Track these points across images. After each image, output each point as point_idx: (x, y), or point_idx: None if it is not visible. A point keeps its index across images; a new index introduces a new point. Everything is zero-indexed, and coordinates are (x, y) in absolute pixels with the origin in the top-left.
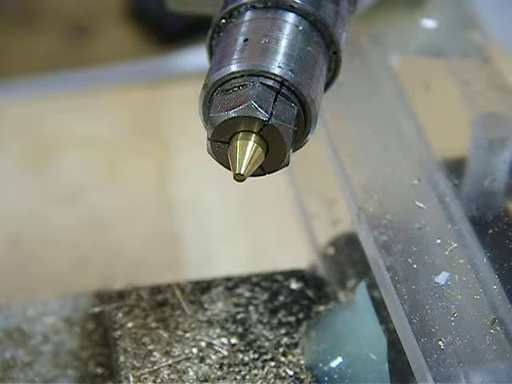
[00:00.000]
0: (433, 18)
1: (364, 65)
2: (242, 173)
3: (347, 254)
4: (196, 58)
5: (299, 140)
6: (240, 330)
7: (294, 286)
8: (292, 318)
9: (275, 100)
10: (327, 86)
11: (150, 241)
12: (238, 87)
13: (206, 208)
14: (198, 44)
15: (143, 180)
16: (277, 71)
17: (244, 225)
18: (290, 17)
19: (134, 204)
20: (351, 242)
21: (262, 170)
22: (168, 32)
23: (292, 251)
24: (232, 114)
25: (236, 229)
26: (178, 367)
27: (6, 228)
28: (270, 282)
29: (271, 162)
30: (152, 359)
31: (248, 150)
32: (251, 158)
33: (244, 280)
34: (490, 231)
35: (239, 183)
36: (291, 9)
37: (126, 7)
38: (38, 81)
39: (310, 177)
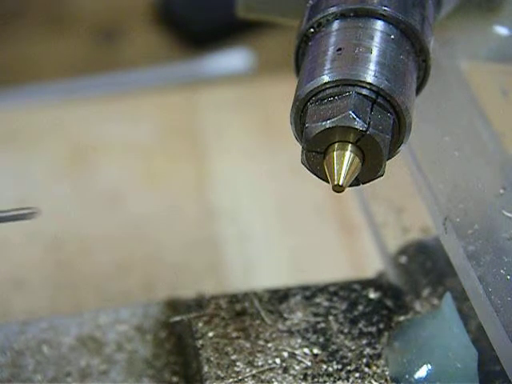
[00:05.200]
0: (506, 26)
1: (436, 71)
2: (341, 184)
3: (419, 263)
4: (230, 60)
5: (392, 149)
6: (321, 340)
7: (373, 295)
8: (373, 328)
9: (371, 109)
10: (415, 94)
11: (189, 245)
12: (334, 97)
13: (244, 211)
14: (231, 47)
15: (181, 183)
16: (373, 80)
17: (283, 229)
18: (381, 25)
19: (173, 208)
20: (422, 250)
21: (356, 181)
22: (196, 35)
23: (331, 256)
24: (329, 124)
25: (275, 232)
26: (263, 377)
27: (45, 234)
28: (347, 292)
29: (366, 172)
30: (236, 369)
31: (346, 160)
32: (349, 169)
33: (321, 289)
34: None
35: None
36: (381, 17)
37: (153, 11)
38: (71, 85)
39: (376, 184)
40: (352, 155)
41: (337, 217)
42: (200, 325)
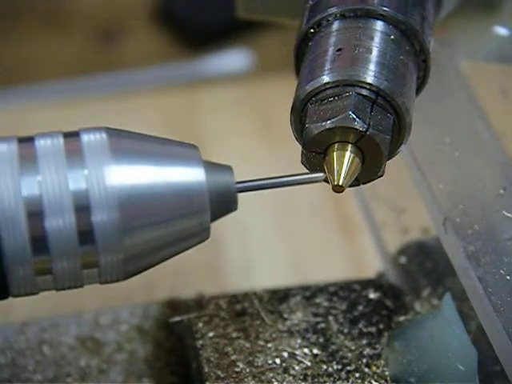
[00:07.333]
0: (506, 26)
1: (436, 71)
2: (341, 184)
3: (419, 263)
4: (230, 60)
5: (392, 150)
6: (321, 340)
7: (372, 295)
8: (373, 329)
9: (371, 110)
10: (415, 94)
11: None
12: (334, 97)
13: (244, 211)
14: (231, 47)
15: None
16: (372, 81)
17: (283, 229)
18: (381, 25)
19: None
20: (422, 250)
21: (356, 181)
22: (196, 35)
23: (331, 256)
24: (329, 124)
25: (275, 232)
26: (263, 378)
27: None
28: (347, 292)
29: (366, 172)
30: (236, 369)
31: (346, 160)
32: (349, 169)
33: (321, 289)
34: None
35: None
36: (381, 17)
37: (153, 11)
38: (71, 85)
39: (376, 185)
40: (352, 155)
41: (336, 217)
42: (200, 325)
